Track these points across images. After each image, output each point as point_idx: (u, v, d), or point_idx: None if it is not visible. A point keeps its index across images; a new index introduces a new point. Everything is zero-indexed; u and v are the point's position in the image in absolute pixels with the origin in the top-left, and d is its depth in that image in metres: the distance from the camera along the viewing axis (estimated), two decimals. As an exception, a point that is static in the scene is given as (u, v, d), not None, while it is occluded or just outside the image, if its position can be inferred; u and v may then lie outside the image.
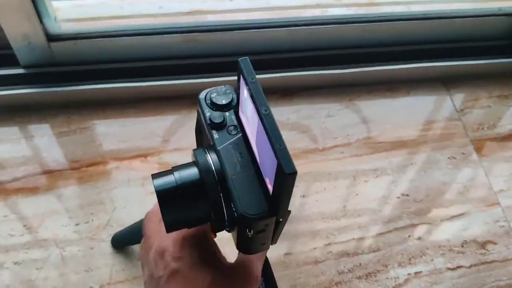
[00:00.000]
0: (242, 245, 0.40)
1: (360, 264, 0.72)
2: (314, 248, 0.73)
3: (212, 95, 0.43)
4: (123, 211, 0.74)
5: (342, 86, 0.91)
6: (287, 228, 0.74)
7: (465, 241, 0.75)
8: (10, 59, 0.83)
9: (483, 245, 0.75)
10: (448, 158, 0.84)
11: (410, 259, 0.73)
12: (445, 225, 0.77)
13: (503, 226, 0.77)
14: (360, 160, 0.83)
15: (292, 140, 0.84)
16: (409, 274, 0.72)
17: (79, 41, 0.82)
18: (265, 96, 0.37)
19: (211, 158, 0.39)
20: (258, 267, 0.43)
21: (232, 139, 0.41)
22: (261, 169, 0.37)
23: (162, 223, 0.39)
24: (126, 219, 0.73)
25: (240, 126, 0.41)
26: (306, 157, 0.83)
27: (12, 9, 0.74)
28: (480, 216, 0.78)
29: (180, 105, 0.87)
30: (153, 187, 0.37)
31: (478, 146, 0.86)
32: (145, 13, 0.90)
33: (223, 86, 0.44)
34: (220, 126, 0.41)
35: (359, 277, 0.71)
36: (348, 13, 0.92)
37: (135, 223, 0.66)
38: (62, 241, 0.71)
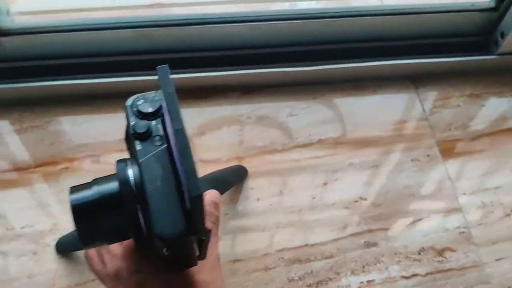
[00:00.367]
0: (165, 260, 0.38)
1: (311, 271, 0.70)
2: (265, 255, 0.71)
3: (138, 102, 0.40)
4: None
5: (306, 84, 0.88)
6: (237, 233, 0.72)
7: (423, 248, 0.73)
8: (-41, 55, 0.80)
9: (441, 252, 0.73)
10: (412, 160, 0.81)
11: (363, 267, 0.71)
12: (403, 231, 0.74)
13: (463, 232, 0.74)
14: (320, 162, 0.80)
15: (251, 140, 0.81)
16: (361, 282, 0.70)
17: (32, 36, 0.79)
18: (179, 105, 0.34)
19: (132, 171, 0.36)
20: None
21: (156, 151, 0.38)
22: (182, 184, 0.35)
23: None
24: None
25: (166, 137, 0.38)
26: (263, 158, 0.80)
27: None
28: (441, 222, 0.75)
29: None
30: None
31: (445, 148, 0.83)
32: (103, 6, 0.87)
33: (152, 92, 0.41)
34: (144, 137, 0.38)
35: (309, 285, 0.69)
36: (315, 8, 0.89)
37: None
38: (5, 245, 0.69)
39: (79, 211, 0.35)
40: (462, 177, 0.80)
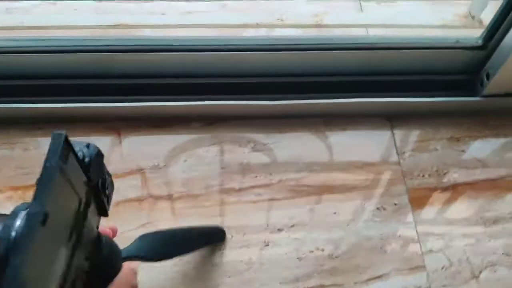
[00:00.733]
0: None
1: (253, 328, 0.65)
2: (205, 307, 0.67)
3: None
4: None
5: (272, 118, 0.83)
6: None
7: (378, 309, 0.68)
8: None
9: (396, 316, 0.67)
10: (377, 208, 0.75)
11: (310, 327, 0.66)
12: (358, 289, 0.69)
13: (424, 295, 0.69)
14: (278, 205, 0.75)
15: (206, 177, 0.77)
16: None
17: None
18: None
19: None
20: None
21: None
22: None
23: None
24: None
25: None
26: (218, 198, 0.75)
27: None
28: (400, 280, 0.70)
29: (92, 128, 0.80)
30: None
31: (415, 196, 0.77)
32: (64, 24, 0.83)
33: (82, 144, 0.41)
34: None
35: None
36: (290, 36, 0.83)
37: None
38: None
39: None
40: (430, 232, 0.74)
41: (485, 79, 0.81)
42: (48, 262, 0.34)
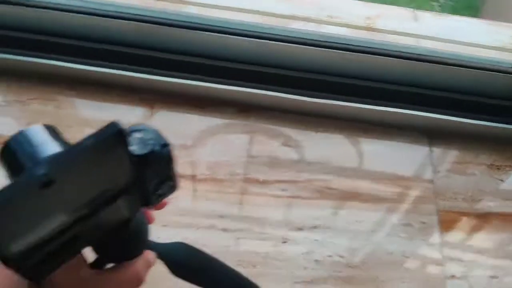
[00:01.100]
0: None
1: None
2: None
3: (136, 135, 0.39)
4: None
5: (307, 115, 0.80)
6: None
7: (389, 327, 0.64)
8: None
9: (408, 337, 0.64)
10: (404, 224, 0.72)
11: (316, 334, 0.63)
12: (372, 303, 0.66)
13: (440, 320, 0.65)
14: (301, 204, 0.73)
15: (232, 164, 0.75)
16: None
17: (29, 9, 0.75)
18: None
19: None
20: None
21: None
22: None
23: None
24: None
25: None
26: (241, 187, 0.73)
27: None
28: (417, 302, 0.67)
29: (127, 97, 0.79)
30: None
31: (444, 218, 0.73)
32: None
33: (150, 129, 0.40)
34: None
35: None
36: (341, 36, 0.80)
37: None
38: None
39: None
40: (455, 257, 0.70)
41: (538, 107, 0.77)
42: (34, 216, 0.33)
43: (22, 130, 0.41)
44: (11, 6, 0.75)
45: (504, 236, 0.73)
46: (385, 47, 0.77)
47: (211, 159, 0.75)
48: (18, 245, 0.34)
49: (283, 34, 0.78)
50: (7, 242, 0.33)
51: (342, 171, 0.76)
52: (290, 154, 0.77)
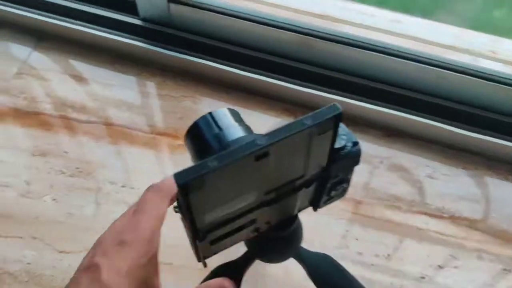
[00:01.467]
0: None
1: None
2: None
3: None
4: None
5: (457, 149, 0.76)
6: None
7: None
8: (131, 8, 0.83)
9: None
10: (559, 282, 0.66)
11: None
12: None
13: None
14: (444, 240, 0.69)
15: (375, 187, 0.73)
16: None
17: (196, 9, 0.79)
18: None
19: None
20: None
21: None
22: None
23: None
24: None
25: None
26: (382, 211, 0.71)
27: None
28: None
29: (270, 106, 0.80)
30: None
31: None
32: (272, 2, 0.84)
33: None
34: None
35: None
36: (499, 71, 0.76)
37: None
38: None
39: None
40: None
41: None
42: (232, 191, 0.33)
43: (210, 112, 0.43)
44: (185, 6, 0.79)
45: None
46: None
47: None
48: (211, 216, 0.34)
49: (440, 60, 0.75)
50: (205, 212, 0.34)
51: (488, 213, 0.71)
52: (436, 186, 0.73)
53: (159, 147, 0.75)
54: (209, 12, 0.79)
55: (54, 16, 0.84)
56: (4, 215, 0.67)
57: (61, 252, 0.65)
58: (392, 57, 0.75)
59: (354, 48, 0.76)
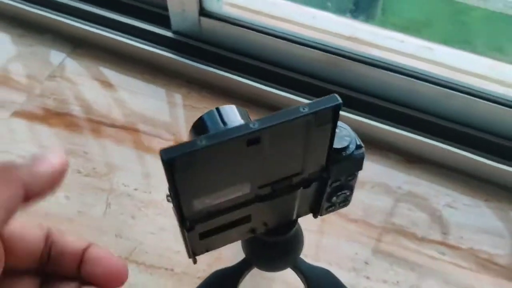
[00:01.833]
0: None
1: None
2: None
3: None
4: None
5: (480, 180, 0.73)
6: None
7: None
8: (164, 21, 0.86)
9: None
10: None
11: None
12: None
13: None
14: (459, 273, 0.65)
15: (388, 212, 0.70)
16: None
17: (225, 24, 0.81)
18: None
19: None
20: None
21: None
22: None
23: None
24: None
25: None
26: (395, 239, 0.68)
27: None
28: None
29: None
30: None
31: None
32: (303, 22, 0.85)
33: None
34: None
35: None
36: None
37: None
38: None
39: None
40: None
41: None
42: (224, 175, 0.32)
43: (217, 108, 0.42)
44: (216, 21, 0.81)
45: None
46: None
47: (367, 202, 0.72)
48: (200, 203, 0.33)
49: (470, 87, 0.73)
50: (193, 198, 0.32)
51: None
52: (455, 216, 0.70)
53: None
54: (238, 27, 0.80)
55: (91, 24, 0.88)
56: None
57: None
58: (419, 81, 0.74)
59: (381, 70, 0.75)
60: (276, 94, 0.79)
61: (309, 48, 0.78)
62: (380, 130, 0.76)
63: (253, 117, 0.80)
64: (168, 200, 0.35)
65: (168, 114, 0.81)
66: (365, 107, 0.77)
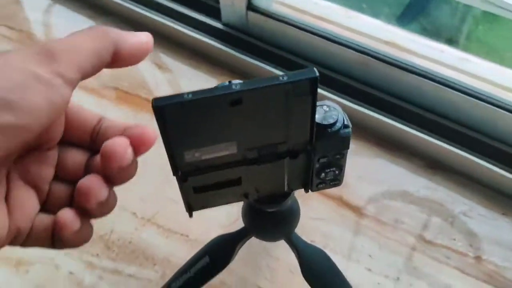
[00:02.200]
0: None
1: None
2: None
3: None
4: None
5: (500, 193, 0.73)
6: None
7: None
8: (215, 12, 0.92)
9: None
10: None
11: None
12: None
13: None
14: (461, 279, 0.66)
15: (402, 212, 0.72)
16: None
17: (270, 19, 0.85)
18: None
19: None
20: None
21: None
22: None
23: None
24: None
25: None
26: (403, 238, 0.70)
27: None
28: None
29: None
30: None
31: None
32: (341, 23, 0.88)
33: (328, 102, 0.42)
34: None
35: None
36: None
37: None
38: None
39: None
40: None
41: None
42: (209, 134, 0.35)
43: (230, 81, 0.45)
44: (261, 16, 0.86)
45: None
46: None
47: (383, 201, 0.73)
48: (191, 155, 0.37)
49: (502, 101, 0.73)
50: (184, 149, 0.36)
51: (522, 265, 0.67)
52: (469, 225, 0.71)
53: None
54: (282, 23, 0.85)
55: (149, 10, 0.96)
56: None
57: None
58: (452, 90, 0.75)
59: (415, 76, 0.77)
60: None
61: (345, 48, 0.81)
62: (405, 133, 0.77)
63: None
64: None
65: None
66: (391, 108, 0.79)
